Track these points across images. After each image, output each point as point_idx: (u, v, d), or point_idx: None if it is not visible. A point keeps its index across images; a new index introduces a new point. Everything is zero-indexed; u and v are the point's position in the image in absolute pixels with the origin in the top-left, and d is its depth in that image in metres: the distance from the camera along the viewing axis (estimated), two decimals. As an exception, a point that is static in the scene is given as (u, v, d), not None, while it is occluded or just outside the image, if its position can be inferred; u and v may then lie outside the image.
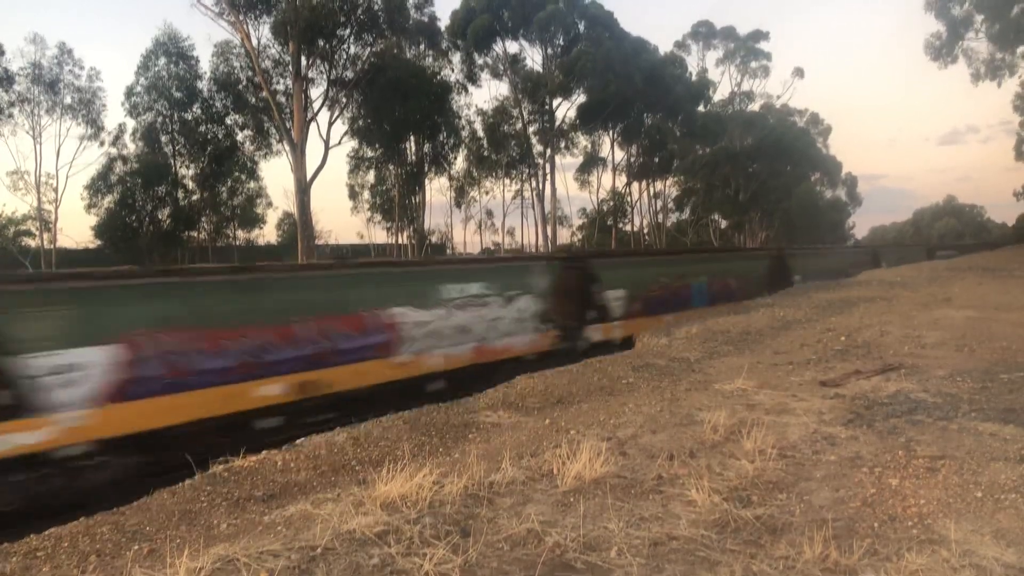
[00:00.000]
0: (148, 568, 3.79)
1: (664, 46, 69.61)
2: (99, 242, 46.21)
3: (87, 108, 44.25)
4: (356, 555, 3.62)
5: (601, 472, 4.83)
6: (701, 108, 60.95)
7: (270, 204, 55.87)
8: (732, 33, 68.51)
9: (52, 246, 44.74)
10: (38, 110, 43.04)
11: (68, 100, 43.69)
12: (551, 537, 3.80)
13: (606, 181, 75.83)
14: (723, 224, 74.28)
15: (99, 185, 44.84)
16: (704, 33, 68.55)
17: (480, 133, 56.49)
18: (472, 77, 51.58)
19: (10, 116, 41.88)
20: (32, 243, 46.61)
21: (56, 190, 44.86)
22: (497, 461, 5.15)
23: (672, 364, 10.34)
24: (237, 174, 50.78)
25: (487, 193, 65.15)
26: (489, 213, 69.25)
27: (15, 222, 48.13)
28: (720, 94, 70.05)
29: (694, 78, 61.95)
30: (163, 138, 47.16)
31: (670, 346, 11.93)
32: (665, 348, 11.78)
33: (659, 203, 71.74)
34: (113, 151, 46.11)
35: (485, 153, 57.60)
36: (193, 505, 5.30)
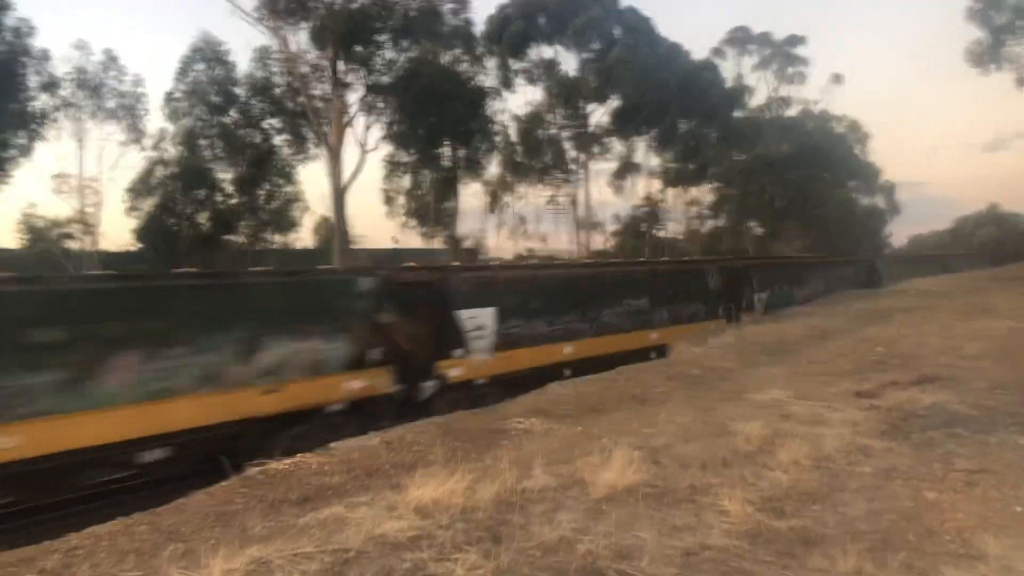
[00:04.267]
0: (184, 568, 3.86)
1: (699, 52, 69.19)
2: (140, 245, 46.94)
3: (130, 113, 45.14)
4: (388, 559, 3.66)
5: (633, 480, 4.82)
6: (737, 114, 60.44)
7: (307, 208, 56.27)
8: (768, 39, 67.94)
9: (94, 249, 45.59)
10: (82, 114, 43.94)
11: (111, 105, 44.56)
12: (583, 544, 3.80)
13: (640, 187, 75.37)
14: (759, 231, 73.36)
15: (140, 188, 45.62)
16: (740, 39, 67.99)
17: (514, 138, 56.49)
18: (507, 82, 51.62)
19: (55, 120, 42.77)
20: (75, 246, 47.45)
21: (99, 193, 45.73)
22: (529, 468, 5.17)
23: (706, 373, 10.28)
24: (274, 178, 51.27)
25: (521, 199, 65.06)
26: (522, 219, 69.11)
27: (59, 224, 49.06)
28: (757, 100, 69.44)
29: (730, 84, 61.50)
30: (202, 142, 47.85)
31: (705, 355, 11.86)
32: (700, 357, 11.72)
33: (694, 210, 71.15)
34: (154, 155, 46.91)
35: (519, 158, 57.53)
36: (228, 507, 5.37)
